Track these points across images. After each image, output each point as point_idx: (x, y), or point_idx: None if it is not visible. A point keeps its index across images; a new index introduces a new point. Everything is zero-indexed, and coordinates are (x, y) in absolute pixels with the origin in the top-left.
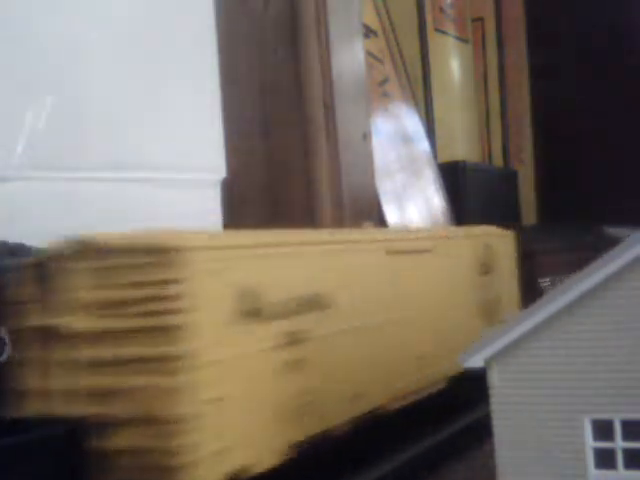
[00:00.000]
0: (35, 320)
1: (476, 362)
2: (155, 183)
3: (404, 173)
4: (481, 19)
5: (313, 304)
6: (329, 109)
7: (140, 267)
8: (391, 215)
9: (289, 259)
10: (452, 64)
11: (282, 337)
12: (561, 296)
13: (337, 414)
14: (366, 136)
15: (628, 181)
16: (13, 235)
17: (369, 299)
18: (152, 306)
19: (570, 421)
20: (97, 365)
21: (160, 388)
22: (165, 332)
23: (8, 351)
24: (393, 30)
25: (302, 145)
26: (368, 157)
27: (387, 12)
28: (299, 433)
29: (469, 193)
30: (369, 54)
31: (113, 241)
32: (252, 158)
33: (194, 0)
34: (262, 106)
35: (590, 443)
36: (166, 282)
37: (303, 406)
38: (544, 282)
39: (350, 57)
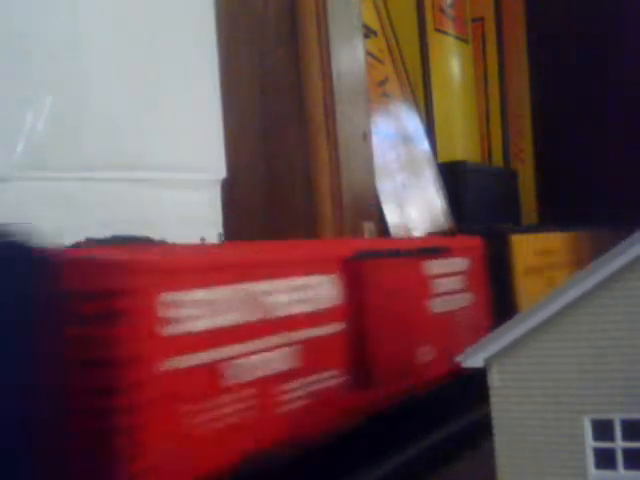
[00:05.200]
0: None
1: (476, 362)
2: (155, 183)
3: (404, 173)
4: (481, 19)
5: None
6: (329, 109)
7: None
8: (391, 215)
9: None
10: (452, 64)
11: None
12: (561, 297)
13: None
14: (366, 136)
15: (628, 180)
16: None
17: None
18: None
19: (570, 421)
20: None
21: None
22: None
23: None
24: (393, 30)
25: (302, 145)
26: (368, 157)
27: (387, 12)
28: None
29: (469, 193)
30: (369, 54)
31: None
32: (252, 158)
33: (194, 0)
34: (262, 106)
35: (590, 443)
36: None
37: None
38: None
39: (350, 57)
